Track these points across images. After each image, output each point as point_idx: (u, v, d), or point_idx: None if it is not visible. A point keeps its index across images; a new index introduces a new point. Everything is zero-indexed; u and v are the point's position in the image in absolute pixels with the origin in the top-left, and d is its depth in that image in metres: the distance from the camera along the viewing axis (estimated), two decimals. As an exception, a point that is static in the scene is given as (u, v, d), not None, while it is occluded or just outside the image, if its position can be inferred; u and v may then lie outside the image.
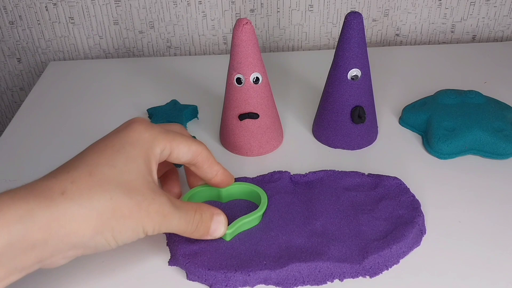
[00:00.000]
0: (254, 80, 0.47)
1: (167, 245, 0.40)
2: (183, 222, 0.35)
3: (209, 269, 0.37)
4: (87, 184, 0.31)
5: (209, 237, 0.38)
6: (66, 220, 0.30)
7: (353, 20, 0.45)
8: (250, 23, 0.45)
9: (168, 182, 0.43)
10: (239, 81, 0.47)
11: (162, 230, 0.34)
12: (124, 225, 0.32)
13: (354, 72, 0.48)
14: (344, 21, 0.46)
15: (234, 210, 0.42)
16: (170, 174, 0.43)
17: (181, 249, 0.38)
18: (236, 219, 0.41)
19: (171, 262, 0.39)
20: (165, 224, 0.34)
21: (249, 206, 0.43)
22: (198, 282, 0.38)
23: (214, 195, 0.43)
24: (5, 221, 0.28)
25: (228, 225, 0.39)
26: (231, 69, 0.47)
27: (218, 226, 0.38)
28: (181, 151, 0.37)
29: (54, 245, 0.30)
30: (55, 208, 0.29)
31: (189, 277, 0.38)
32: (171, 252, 0.39)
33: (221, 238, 0.39)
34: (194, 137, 0.52)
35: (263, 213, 0.41)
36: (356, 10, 0.54)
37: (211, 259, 0.38)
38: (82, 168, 0.32)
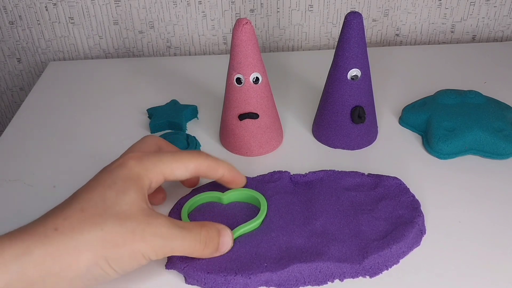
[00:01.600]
0: (254, 80, 0.47)
1: None
2: (190, 241, 0.35)
3: (208, 272, 0.37)
4: (79, 219, 0.32)
5: (217, 254, 0.37)
6: (59, 254, 0.30)
7: (353, 20, 0.45)
8: (250, 23, 0.45)
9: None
10: (239, 81, 0.47)
11: (166, 253, 0.34)
12: (119, 253, 0.32)
13: (354, 72, 0.48)
14: (344, 21, 0.46)
15: (235, 211, 0.42)
16: None
17: None
18: (237, 220, 0.40)
19: (168, 266, 0.38)
20: (168, 246, 0.34)
21: (249, 208, 0.43)
22: (197, 286, 0.37)
23: (215, 198, 0.43)
24: (2, 260, 0.29)
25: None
26: (231, 69, 0.47)
27: (225, 241, 0.38)
28: (177, 174, 0.38)
29: (52, 283, 0.30)
30: (49, 244, 0.30)
31: (188, 281, 0.38)
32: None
33: None
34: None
35: (263, 219, 0.41)
36: (356, 10, 0.54)
37: (210, 262, 0.37)
38: (75, 206, 0.33)
